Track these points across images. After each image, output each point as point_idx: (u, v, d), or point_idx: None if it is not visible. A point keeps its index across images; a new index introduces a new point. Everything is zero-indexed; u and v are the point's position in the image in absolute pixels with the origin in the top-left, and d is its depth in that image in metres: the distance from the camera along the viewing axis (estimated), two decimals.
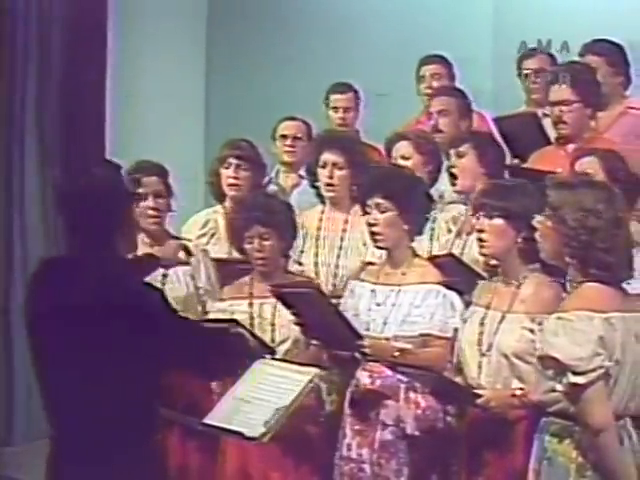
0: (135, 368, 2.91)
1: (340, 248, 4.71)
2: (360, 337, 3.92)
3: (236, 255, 4.59)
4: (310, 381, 3.60)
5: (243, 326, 3.98)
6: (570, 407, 3.16)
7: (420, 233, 4.24)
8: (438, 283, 4.05)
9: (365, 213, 4.18)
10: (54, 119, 6.58)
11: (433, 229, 4.65)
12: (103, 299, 2.89)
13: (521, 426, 3.67)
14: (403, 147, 4.78)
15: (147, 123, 7.12)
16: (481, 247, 3.89)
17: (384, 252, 4.21)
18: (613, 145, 4.50)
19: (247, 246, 4.35)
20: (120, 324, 2.88)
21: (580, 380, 3.08)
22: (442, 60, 5.89)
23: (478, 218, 3.88)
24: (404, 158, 4.75)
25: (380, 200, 4.07)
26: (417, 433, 3.94)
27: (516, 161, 4.95)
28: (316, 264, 4.69)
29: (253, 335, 4.01)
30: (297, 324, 4.02)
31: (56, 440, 3.03)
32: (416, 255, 4.20)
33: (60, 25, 6.62)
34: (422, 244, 4.55)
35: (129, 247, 3.14)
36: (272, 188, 5.47)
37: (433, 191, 4.73)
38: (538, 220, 3.34)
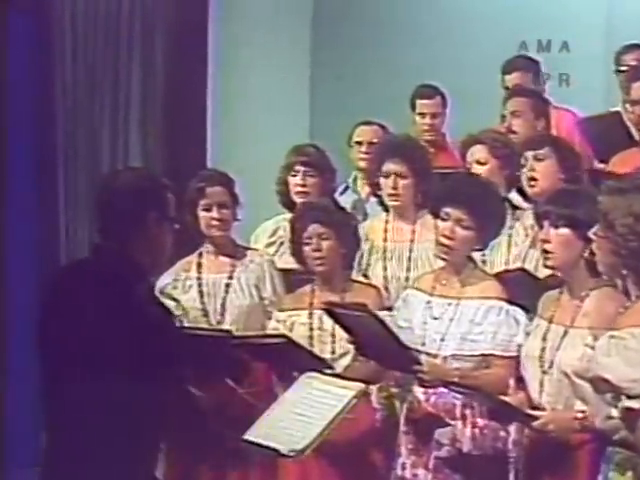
0: (135, 381, 2.81)
1: (409, 260, 4.53)
2: (418, 362, 3.73)
3: None
4: (355, 397, 3.48)
5: (294, 341, 3.88)
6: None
7: (485, 248, 4.06)
8: (500, 299, 3.83)
9: (437, 218, 3.97)
10: (157, 121, 6.63)
11: (510, 235, 4.44)
12: (108, 308, 2.80)
13: (585, 451, 3.41)
14: (478, 151, 4.58)
15: (250, 127, 7.09)
16: (546, 259, 3.64)
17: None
18: None
19: (306, 248, 4.18)
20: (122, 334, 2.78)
21: (635, 404, 2.83)
22: (524, 63, 5.60)
23: (542, 227, 3.65)
24: (480, 163, 4.56)
25: (463, 216, 3.84)
26: (474, 453, 3.74)
27: (601, 165, 4.70)
28: (385, 278, 4.51)
29: (308, 351, 3.91)
30: (351, 343, 3.87)
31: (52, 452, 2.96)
32: (476, 266, 3.99)
33: (163, 27, 6.69)
34: (499, 253, 4.37)
35: (152, 256, 3.00)
36: (350, 195, 5.36)
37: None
38: (594, 231, 3.11)
